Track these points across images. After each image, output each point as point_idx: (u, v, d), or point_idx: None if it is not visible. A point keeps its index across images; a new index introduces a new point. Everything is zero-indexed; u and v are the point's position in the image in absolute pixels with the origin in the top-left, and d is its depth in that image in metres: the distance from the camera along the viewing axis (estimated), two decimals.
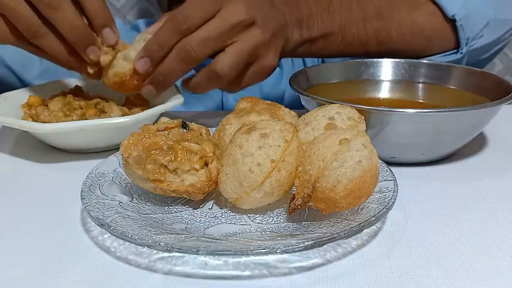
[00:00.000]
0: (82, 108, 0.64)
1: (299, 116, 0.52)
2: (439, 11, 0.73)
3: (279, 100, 0.72)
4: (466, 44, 0.74)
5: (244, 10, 0.60)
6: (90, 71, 0.64)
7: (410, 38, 0.74)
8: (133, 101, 0.67)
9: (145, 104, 0.67)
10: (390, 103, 0.69)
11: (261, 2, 0.64)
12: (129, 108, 0.65)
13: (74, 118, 0.62)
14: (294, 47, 0.69)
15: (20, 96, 0.67)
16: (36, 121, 0.61)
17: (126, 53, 0.62)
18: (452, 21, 0.73)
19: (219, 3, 0.60)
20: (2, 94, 0.66)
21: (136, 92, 0.65)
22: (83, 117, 0.62)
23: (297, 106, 0.65)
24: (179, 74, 0.62)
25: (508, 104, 0.55)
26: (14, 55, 0.90)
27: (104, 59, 0.62)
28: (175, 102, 0.64)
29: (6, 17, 0.58)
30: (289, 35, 0.67)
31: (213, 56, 0.62)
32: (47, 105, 0.64)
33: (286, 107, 0.54)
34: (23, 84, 0.89)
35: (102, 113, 0.63)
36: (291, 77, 0.65)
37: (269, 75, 0.68)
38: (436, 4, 0.74)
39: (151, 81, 0.62)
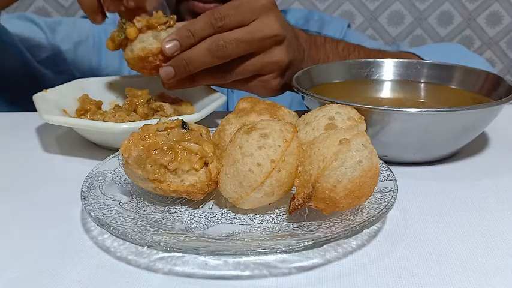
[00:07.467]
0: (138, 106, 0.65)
1: (299, 116, 0.52)
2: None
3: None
4: None
5: (279, 27, 0.63)
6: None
7: None
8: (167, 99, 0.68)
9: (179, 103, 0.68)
10: (392, 103, 0.69)
11: (291, 30, 0.67)
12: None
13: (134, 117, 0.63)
14: None
15: (53, 96, 0.66)
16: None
17: (158, 33, 0.62)
18: None
19: (256, 14, 0.62)
20: (38, 94, 0.65)
21: (152, 75, 0.65)
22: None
23: (297, 106, 0.65)
24: (202, 64, 0.63)
25: (509, 104, 0.55)
26: (23, 35, 0.90)
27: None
28: (219, 102, 0.65)
29: None
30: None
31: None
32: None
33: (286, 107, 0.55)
34: (26, 67, 0.89)
35: (155, 112, 0.64)
36: (294, 76, 0.65)
37: (267, 96, 0.70)
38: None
39: (173, 63, 0.63)
